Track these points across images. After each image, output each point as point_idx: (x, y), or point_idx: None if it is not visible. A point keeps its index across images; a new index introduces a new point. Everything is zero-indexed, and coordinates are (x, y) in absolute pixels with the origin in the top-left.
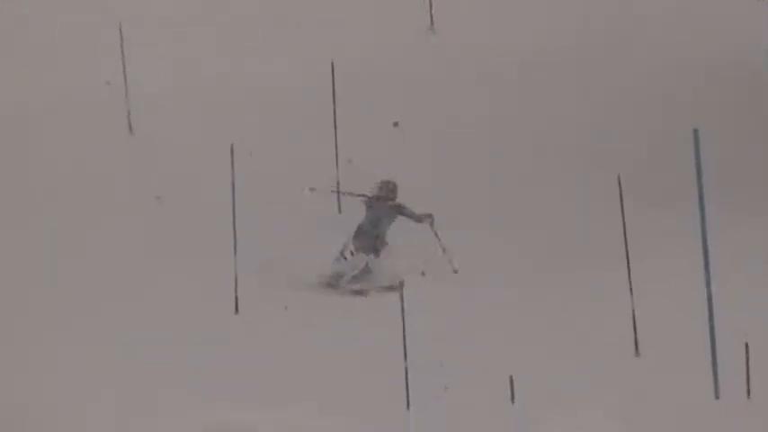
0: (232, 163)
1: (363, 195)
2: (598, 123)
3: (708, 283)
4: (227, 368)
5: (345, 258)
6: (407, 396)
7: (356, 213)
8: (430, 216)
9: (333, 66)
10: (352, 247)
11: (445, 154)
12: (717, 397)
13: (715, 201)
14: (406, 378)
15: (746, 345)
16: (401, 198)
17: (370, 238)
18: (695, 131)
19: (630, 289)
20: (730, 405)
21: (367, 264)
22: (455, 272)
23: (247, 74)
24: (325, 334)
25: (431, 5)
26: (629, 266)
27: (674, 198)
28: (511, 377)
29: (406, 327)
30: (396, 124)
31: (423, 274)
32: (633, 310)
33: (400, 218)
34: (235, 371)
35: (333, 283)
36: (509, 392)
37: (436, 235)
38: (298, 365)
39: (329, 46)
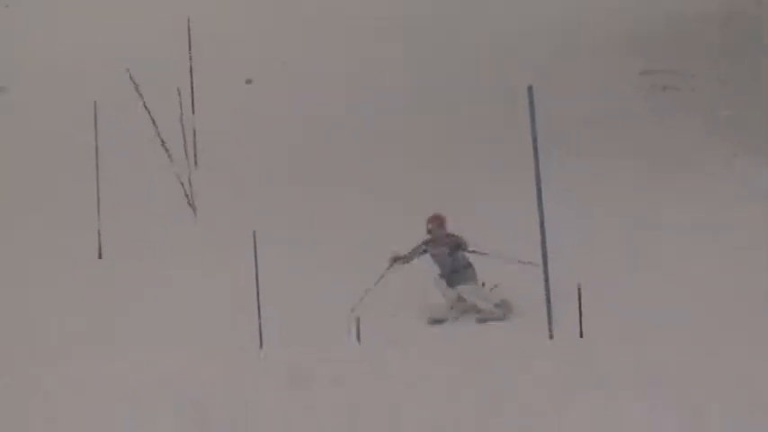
0: None
1: (424, 249)
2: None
3: (543, 231)
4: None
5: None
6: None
7: None
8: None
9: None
10: (452, 303)
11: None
12: (551, 337)
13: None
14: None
15: (579, 287)
16: None
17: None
18: (529, 88)
19: None
20: (563, 345)
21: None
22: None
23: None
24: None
25: None
26: None
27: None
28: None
29: None
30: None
31: None
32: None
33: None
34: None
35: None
36: None
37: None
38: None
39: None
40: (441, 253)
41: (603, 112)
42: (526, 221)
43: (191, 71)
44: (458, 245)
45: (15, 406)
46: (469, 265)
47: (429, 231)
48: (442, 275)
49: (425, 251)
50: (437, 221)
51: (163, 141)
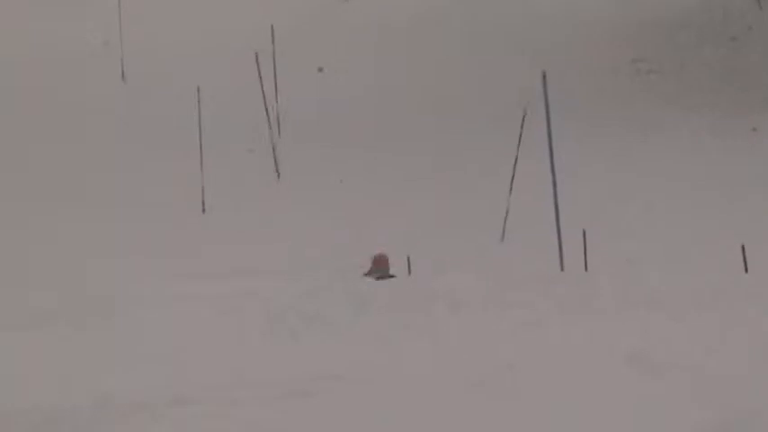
0: None
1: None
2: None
3: (554, 183)
4: None
5: None
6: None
7: None
8: None
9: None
10: None
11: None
12: (562, 269)
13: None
14: None
15: (584, 230)
16: None
17: None
18: (543, 73)
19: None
20: (572, 276)
21: None
22: None
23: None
24: None
25: None
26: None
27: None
28: None
29: None
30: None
31: None
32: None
33: None
34: None
35: None
36: None
37: None
38: None
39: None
40: None
41: (602, 90)
42: (541, 178)
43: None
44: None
45: None
46: None
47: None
48: None
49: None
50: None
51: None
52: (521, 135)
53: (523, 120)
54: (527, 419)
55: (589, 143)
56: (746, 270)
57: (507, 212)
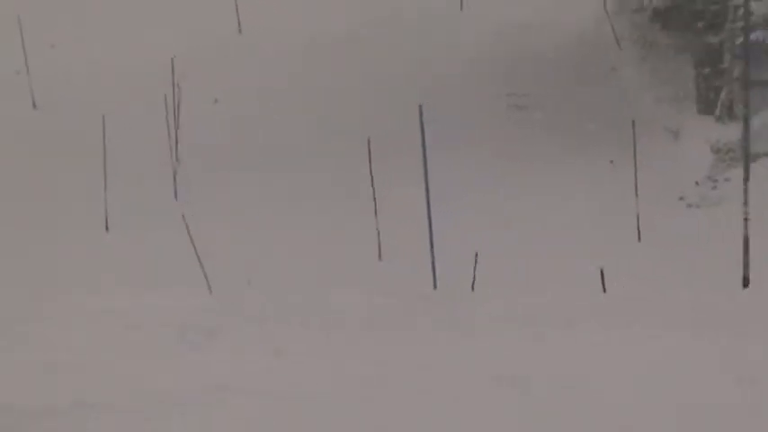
0: None
1: None
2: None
3: (428, 205)
4: None
5: None
6: None
7: None
8: None
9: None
10: None
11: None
12: (434, 288)
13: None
14: None
15: (476, 253)
16: None
17: None
18: (420, 107)
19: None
20: (445, 294)
21: None
22: None
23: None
24: None
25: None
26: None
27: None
28: None
29: None
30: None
31: None
32: (377, 228)
33: None
34: None
35: None
36: None
37: None
38: None
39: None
40: None
41: (478, 122)
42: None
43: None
44: None
45: None
46: None
47: None
48: None
49: None
50: None
51: None
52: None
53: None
54: None
55: (464, 172)
56: (605, 291)
57: (379, 233)
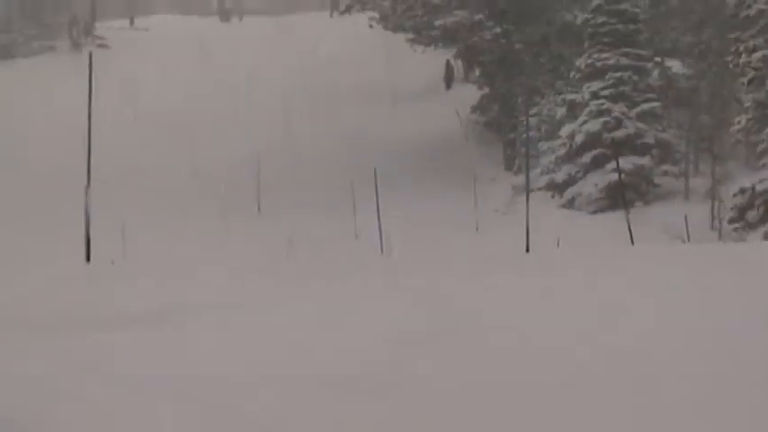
0: None
1: None
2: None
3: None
4: None
5: None
6: None
7: None
8: None
9: None
10: None
11: None
12: (381, 252)
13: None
14: None
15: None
16: None
17: None
18: (375, 170)
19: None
20: (387, 255)
21: None
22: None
23: None
24: None
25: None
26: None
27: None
28: None
29: None
30: None
31: None
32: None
33: None
34: None
35: None
36: None
37: None
38: None
39: None
40: None
41: (402, 174)
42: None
43: None
44: None
45: None
46: None
47: None
48: None
49: None
50: None
51: None
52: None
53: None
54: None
55: (390, 198)
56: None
57: (356, 227)
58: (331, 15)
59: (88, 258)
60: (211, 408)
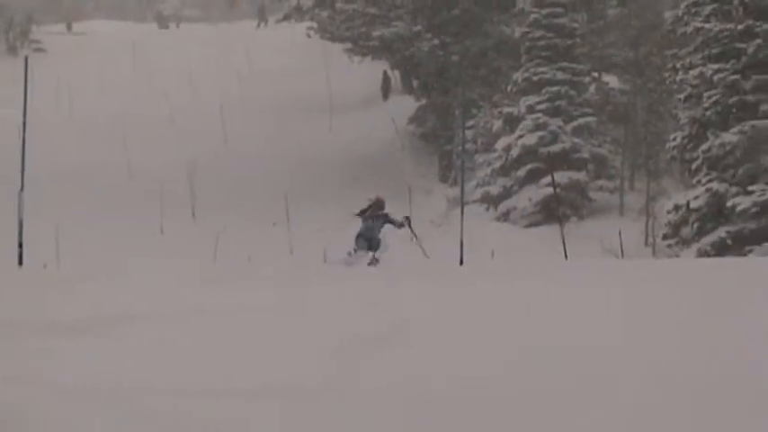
0: None
1: (359, 211)
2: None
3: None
4: None
5: (350, 255)
6: None
7: None
8: (407, 218)
9: None
10: (354, 248)
11: None
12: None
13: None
14: None
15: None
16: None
17: (366, 241)
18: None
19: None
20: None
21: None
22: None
23: None
24: None
25: None
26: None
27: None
28: None
29: None
30: None
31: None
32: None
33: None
34: None
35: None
36: None
37: (412, 231)
38: None
39: None
40: (371, 219)
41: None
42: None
43: None
44: (383, 216)
45: None
46: (380, 242)
47: (371, 203)
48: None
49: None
50: (379, 201)
51: None
52: None
53: None
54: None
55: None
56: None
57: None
58: (258, 26)
59: (20, 262)
60: (143, 419)
